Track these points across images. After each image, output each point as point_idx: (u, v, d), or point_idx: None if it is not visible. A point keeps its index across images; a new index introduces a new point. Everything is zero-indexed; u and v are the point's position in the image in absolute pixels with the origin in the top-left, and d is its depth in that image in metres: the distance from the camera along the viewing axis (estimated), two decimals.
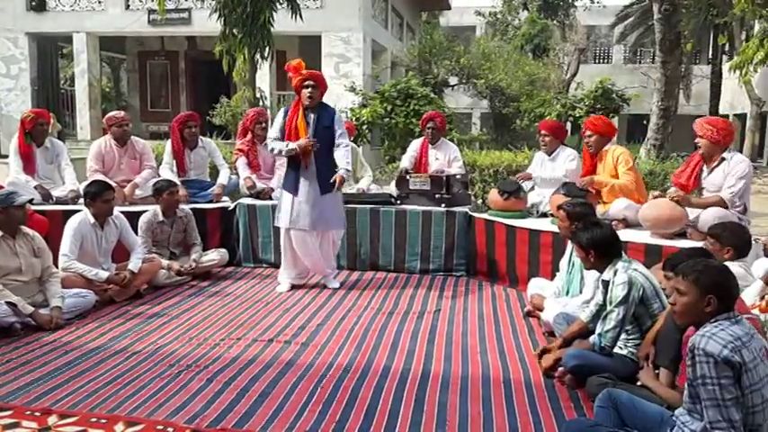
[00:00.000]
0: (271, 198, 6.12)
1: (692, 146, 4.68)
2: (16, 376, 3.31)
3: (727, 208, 4.31)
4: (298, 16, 9.93)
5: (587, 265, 3.46)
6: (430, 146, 6.45)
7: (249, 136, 6.44)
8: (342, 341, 3.97)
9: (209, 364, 3.52)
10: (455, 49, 15.98)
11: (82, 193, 5.04)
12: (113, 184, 5.24)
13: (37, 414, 2.85)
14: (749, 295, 3.23)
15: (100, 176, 5.63)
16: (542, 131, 5.69)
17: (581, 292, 4.01)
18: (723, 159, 4.42)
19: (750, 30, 14.18)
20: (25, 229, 4.28)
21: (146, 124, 16.78)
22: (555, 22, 23.30)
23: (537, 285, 4.66)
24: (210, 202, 6.09)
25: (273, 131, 5.11)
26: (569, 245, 4.14)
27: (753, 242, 3.74)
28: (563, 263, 4.30)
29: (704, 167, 4.54)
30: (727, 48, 18.58)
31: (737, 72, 7.69)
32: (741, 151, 14.69)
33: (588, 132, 5.11)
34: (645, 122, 11.76)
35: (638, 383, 2.96)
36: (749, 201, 4.50)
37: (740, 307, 2.76)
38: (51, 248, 4.44)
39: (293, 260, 5.24)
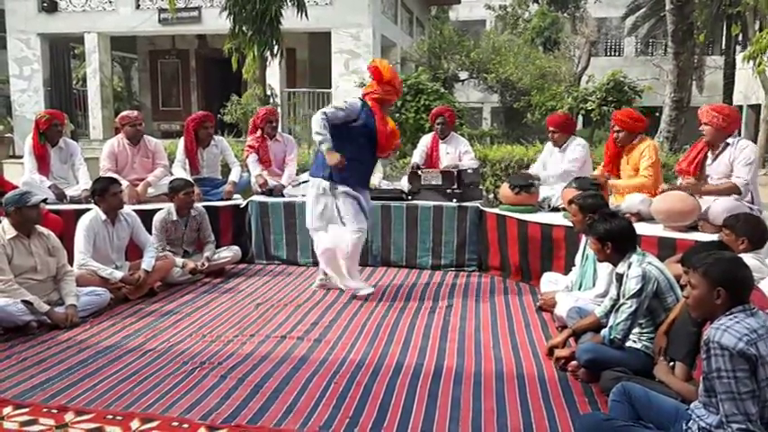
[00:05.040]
0: (282, 195, 6.14)
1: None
2: (33, 374, 3.35)
3: (740, 194, 4.28)
4: (304, 14, 9.93)
5: (601, 257, 3.45)
6: (440, 141, 6.44)
7: (259, 133, 6.45)
8: (354, 337, 3.98)
9: (222, 361, 3.54)
10: (465, 44, 15.93)
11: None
12: (125, 182, 5.29)
13: (54, 411, 2.89)
14: (764, 288, 3.20)
15: (110, 175, 5.67)
16: (550, 128, 5.67)
17: (594, 285, 3.99)
18: (727, 145, 4.40)
19: (764, 19, 14.00)
20: (40, 228, 4.32)
21: (157, 123, 16.88)
22: (565, 14, 23.15)
23: (550, 280, 4.65)
24: (222, 199, 6.12)
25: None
26: (583, 239, 4.12)
27: None
28: (577, 257, 4.28)
29: (708, 154, 4.51)
30: (740, 38, 18.38)
31: (751, 62, 7.60)
32: (755, 142, 14.52)
33: (616, 128, 5.03)
34: (657, 114, 11.66)
35: (656, 379, 2.94)
36: (757, 190, 4.46)
37: (761, 300, 2.74)
38: (66, 247, 4.48)
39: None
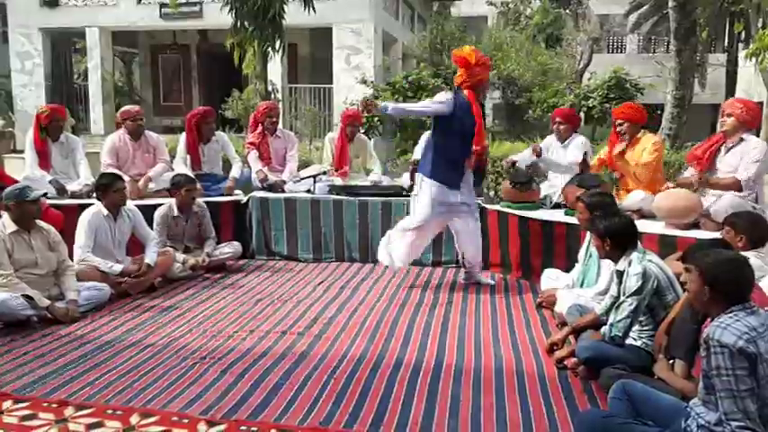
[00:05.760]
0: (283, 191, 6.14)
1: (706, 135, 4.63)
2: (33, 368, 3.36)
3: (740, 190, 4.28)
4: (311, 8, 9.90)
5: (602, 254, 3.47)
6: None
7: (260, 129, 6.45)
8: (354, 333, 3.98)
9: (222, 356, 3.55)
10: (467, 40, 15.86)
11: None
12: (126, 177, 5.29)
13: (54, 405, 2.89)
14: (765, 287, 3.19)
15: (113, 170, 5.67)
16: (557, 119, 5.66)
17: (597, 283, 3.99)
18: (741, 140, 4.39)
19: (767, 17, 13.96)
20: (40, 222, 4.32)
21: (158, 118, 16.85)
22: (567, 11, 23.05)
23: (550, 276, 4.64)
24: (223, 195, 6.12)
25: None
26: (587, 236, 4.11)
27: None
28: (580, 254, 4.28)
29: (722, 148, 4.50)
30: (743, 35, 18.32)
31: (754, 60, 7.58)
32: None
33: (619, 121, 5.02)
34: (659, 112, 11.65)
35: (656, 377, 2.94)
36: (762, 190, 4.45)
37: (761, 299, 2.74)
38: (67, 242, 4.48)
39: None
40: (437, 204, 4.83)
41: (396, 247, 5.02)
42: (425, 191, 4.84)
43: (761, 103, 17.34)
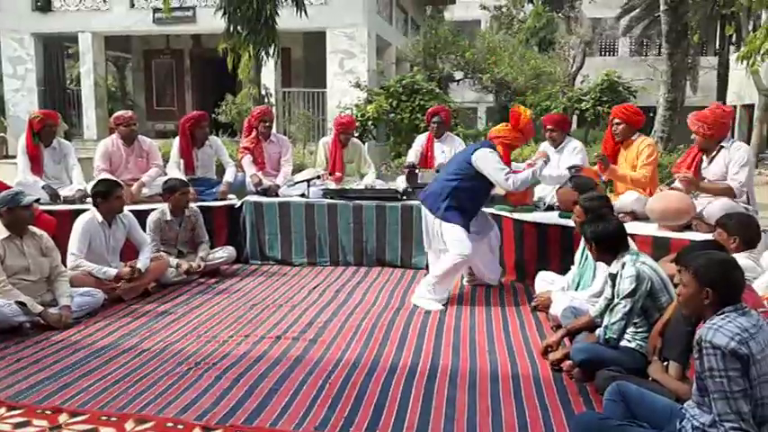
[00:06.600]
0: (277, 195, 6.14)
1: None
2: (26, 375, 3.33)
3: (735, 196, 4.30)
4: (303, 12, 9.91)
5: (594, 257, 3.49)
6: (435, 140, 6.45)
7: (254, 133, 6.45)
8: (349, 337, 3.98)
9: (217, 362, 3.53)
10: (460, 44, 15.93)
11: (90, 192, 5.06)
12: (121, 182, 5.28)
13: (48, 412, 2.87)
14: (758, 288, 3.21)
15: (107, 176, 5.66)
16: (548, 126, 5.66)
17: (592, 285, 4.00)
18: (722, 148, 4.42)
19: (757, 20, 14.07)
20: (33, 228, 4.30)
21: (152, 123, 16.83)
22: (560, 15, 23.20)
23: (544, 279, 4.65)
24: (217, 199, 6.11)
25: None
26: (583, 238, 4.13)
27: (762, 233, 3.71)
28: (576, 256, 4.29)
29: (704, 158, 4.53)
30: (734, 38, 18.45)
31: (745, 62, 7.61)
32: (749, 142, 14.59)
33: (617, 120, 5.05)
34: (651, 115, 11.72)
35: (650, 379, 2.95)
36: (753, 191, 4.48)
37: (753, 300, 2.75)
38: (59, 248, 4.46)
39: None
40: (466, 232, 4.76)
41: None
42: (451, 229, 4.69)
43: (751, 106, 17.44)
